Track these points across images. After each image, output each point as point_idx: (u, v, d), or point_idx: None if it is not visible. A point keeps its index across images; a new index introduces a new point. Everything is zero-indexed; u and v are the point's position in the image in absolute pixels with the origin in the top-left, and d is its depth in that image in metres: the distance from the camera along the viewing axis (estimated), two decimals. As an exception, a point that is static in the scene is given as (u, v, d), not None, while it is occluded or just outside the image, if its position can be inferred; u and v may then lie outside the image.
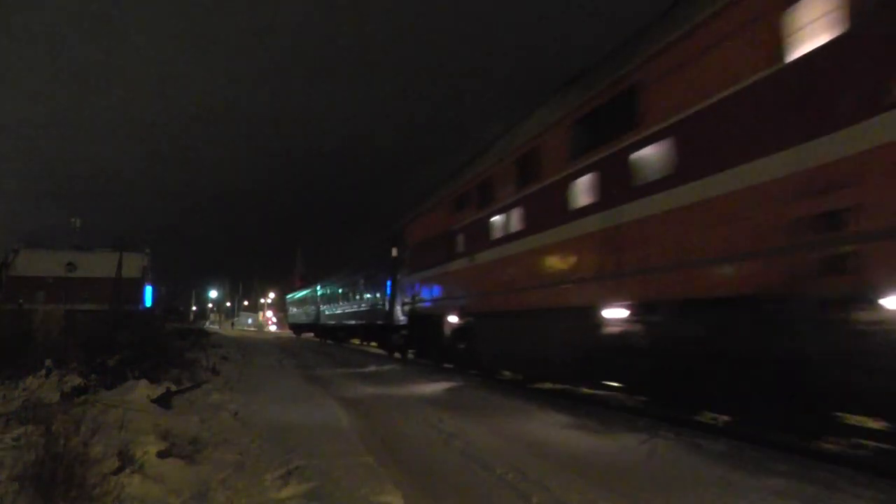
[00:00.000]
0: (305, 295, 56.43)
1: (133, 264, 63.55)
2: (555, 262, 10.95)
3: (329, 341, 45.31)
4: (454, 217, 16.00)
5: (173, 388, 9.60)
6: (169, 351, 13.42)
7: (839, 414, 6.79)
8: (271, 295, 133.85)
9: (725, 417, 8.47)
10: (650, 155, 8.30)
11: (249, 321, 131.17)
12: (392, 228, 24.31)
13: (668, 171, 7.92)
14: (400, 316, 22.90)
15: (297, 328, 62.27)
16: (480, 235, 14.14)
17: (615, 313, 9.20)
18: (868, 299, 5.56)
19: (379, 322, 27.11)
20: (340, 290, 38.75)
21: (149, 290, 64.15)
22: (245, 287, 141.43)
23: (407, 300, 20.97)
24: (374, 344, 33.09)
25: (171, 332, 18.97)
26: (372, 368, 19.23)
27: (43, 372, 9.31)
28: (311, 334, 56.65)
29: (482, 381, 14.62)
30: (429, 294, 18.40)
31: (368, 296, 30.47)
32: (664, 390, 8.56)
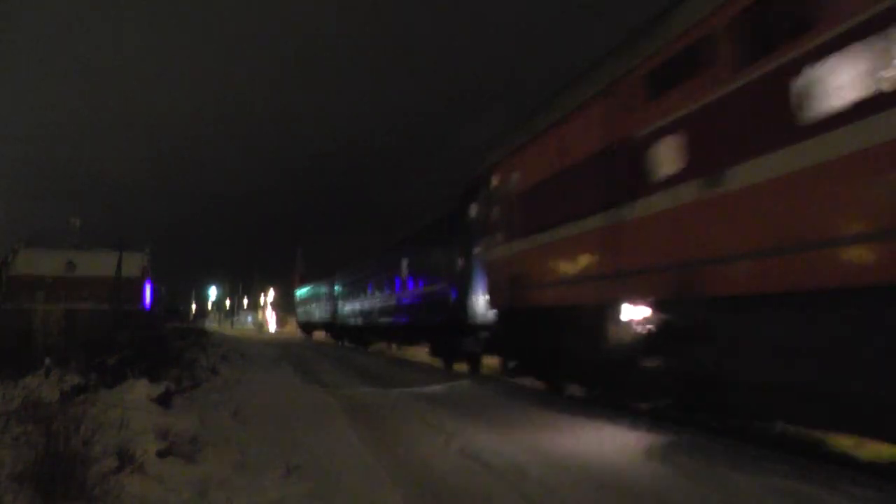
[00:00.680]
0: (318, 290, 48.85)
1: (133, 264, 63.54)
2: None
3: (347, 344, 38.91)
4: (646, 111, 8.24)
5: (173, 387, 9.59)
6: (169, 350, 13.42)
7: None
8: (271, 294, 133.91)
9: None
10: None
11: (249, 320, 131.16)
12: (469, 179, 16.47)
13: None
14: (479, 310, 15.94)
15: (308, 327, 56.41)
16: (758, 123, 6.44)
17: None
18: None
19: (438, 320, 19.22)
20: (370, 281, 30.65)
21: (150, 288, 64.16)
22: (245, 286, 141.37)
23: (500, 285, 13.31)
24: (408, 349, 26.86)
25: (170, 332, 18.97)
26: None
27: (43, 371, 9.30)
28: (323, 334, 50.88)
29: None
30: (563, 269, 10.74)
31: (421, 284, 22.03)
32: None
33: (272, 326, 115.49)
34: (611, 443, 7.41)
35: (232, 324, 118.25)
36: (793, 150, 5.89)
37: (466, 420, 9.06)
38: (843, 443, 7.50)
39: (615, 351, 8.94)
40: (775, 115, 6.11)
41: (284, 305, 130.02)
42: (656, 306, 8.21)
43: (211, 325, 76.68)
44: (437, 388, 13.19)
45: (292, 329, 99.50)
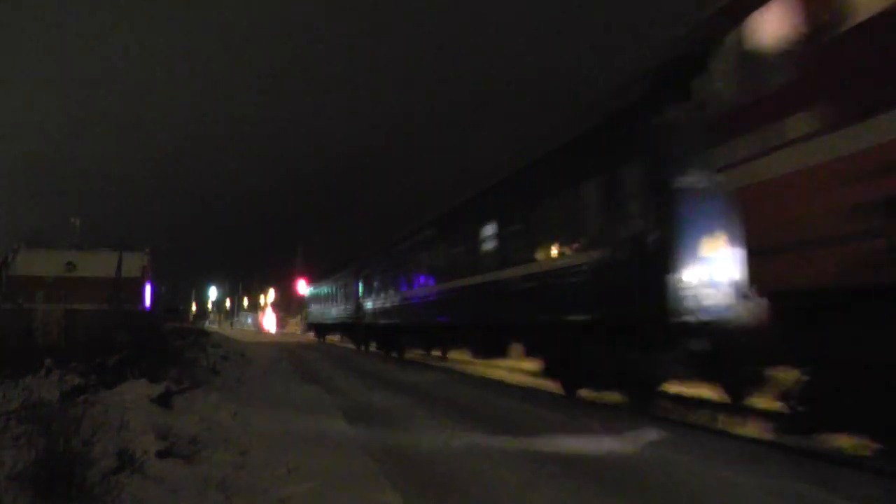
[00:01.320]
0: (335, 284, 38.81)
1: (133, 264, 63.59)
2: None
3: (373, 349, 30.43)
4: None
5: (173, 387, 9.57)
6: (169, 351, 13.40)
7: None
8: (271, 294, 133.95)
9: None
10: None
11: (249, 321, 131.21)
12: (674, 46, 9.41)
13: None
14: (700, 295, 8.33)
15: (321, 329, 46.99)
16: None
17: None
18: None
19: (602, 312, 10.47)
20: (415, 266, 21.58)
21: (148, 289, 64.12)
22: (245, 287, 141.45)
23: (803, 233, 6.01)
24: (468, 360, 19.68)
25: (170, 332, 18.96)
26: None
27: (43, 371, 9.30)
28: (339, 338, 42.11)
29: None
30: None
31: (535, 256, 13.01)
32: None
33: (272, 327, 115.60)
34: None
35: (231, 324, 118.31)
36: None
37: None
38: (845, 442, 7.50)
39: None
40: None
41: (284, 306, 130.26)
42: None
43: (211, 325, 76.76)
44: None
45: (294, 329, 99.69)
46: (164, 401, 8.54)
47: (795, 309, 6.24)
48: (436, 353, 23.08)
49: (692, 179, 8.47)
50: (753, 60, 6.74)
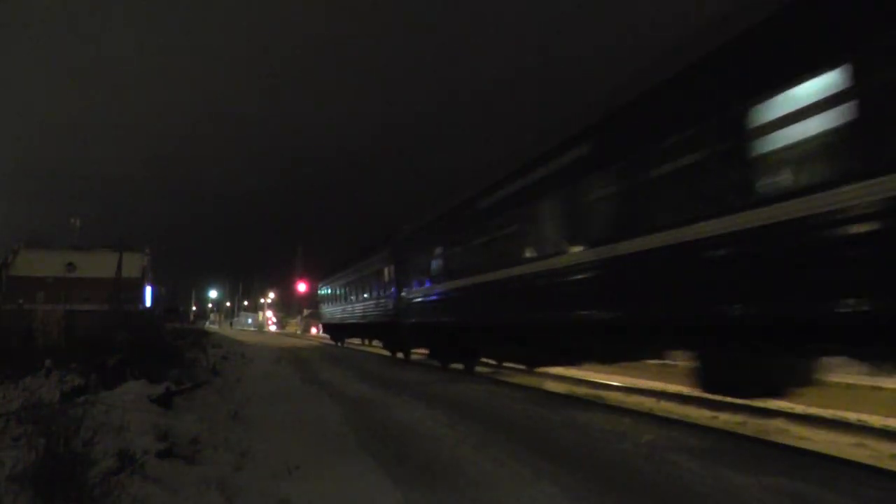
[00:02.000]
0: (356, 277, 30.78)
1: (133, 264, 63.69)
2: None
3: (427, 359, 21.00)
4: None
5: (173, 388, 9.58)
6: (169, 351, 13.41)
7: None
8: (271, 295, 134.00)
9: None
10: None
11: (249, 321, 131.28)
12: None
13: None
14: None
15: (339, 331, 38.72)
16: None
17: None
18: None
19: None
20: (523, 222, 12.66)
21: (148, 289, 64.18)
22: (245, 287, 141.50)
23: None
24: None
25: (171, 333, 18.97)
26: None
27: (43, 372, 9.31)
28: (362, 342, 36.39)
29: None
30: None
31: None
32: None
33: (272, 327, 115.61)
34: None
35: (231, 324, 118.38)
36: None
37: None
38: (844, 440, 7.51)
39: None
40: None
41: (284, 307, 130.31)
42: None
43: (211, 325, 76.77)
44: None
45: (294, 329, 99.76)
46: (164, 401, 8.55)
47: None
48: (512, 363, 16.20)
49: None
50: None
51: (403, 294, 21.48)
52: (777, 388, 8.02)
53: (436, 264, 18.04)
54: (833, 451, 6.96)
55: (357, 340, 36.85)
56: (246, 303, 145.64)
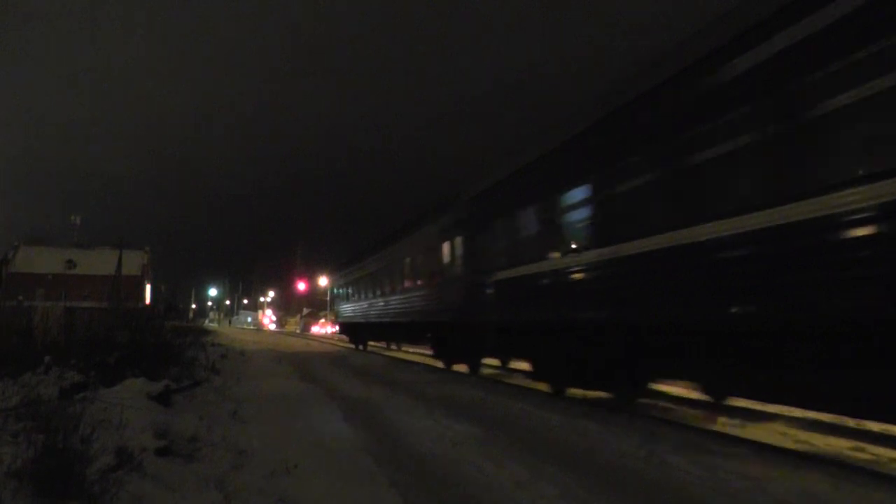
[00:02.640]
0: (389, 264, 25.01)
1: (133, 262, 63.71)
2: None
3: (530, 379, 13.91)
4: None
5: (172, 385, 9.57)
6: (168, 349, 13.40)
7: None
8: (270, 294, 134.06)
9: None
10: None
11: (249, 319, 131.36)
12: None
13: None
14: None
15: (361, 333, 32.21)
16: None
17: None
18: None
19: None
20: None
21: (148, 287, 64.21)
22: (245, 286, 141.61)
23: None
24: None
25: (170, 330, 18.95)
26: None
27: (42, 368, 9.29)
28: (387, 346, 31.72)
29: None
30: None
31: None
32: None
33: (271, 326, 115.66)
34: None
35: (230, 322, 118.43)
36: None
37: None
38: (843, 444, 7.50)
39: None
40: None
41: (283, 305, 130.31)
42: None
43: (211, 324, 76.80)
44: None
45: (292, 328, 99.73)
46: (163, 399, 8.54)
47: None
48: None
49: None
50: None
51: (482, 279, 14.61)
52: None
53: (574, 220, 10.77)
54: (832, 456, 6.96)
55: (376, 344, 32.01)
56: (245, 301, 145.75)
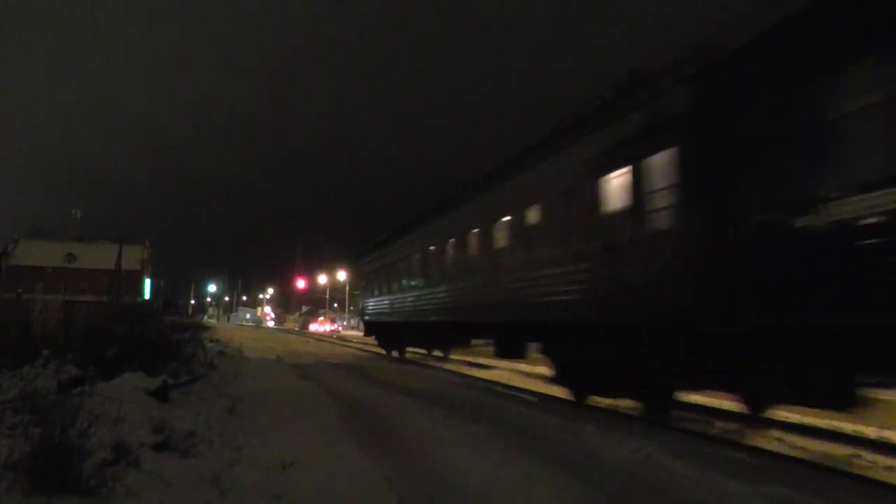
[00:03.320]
0: (460, 235, 16.54)
1: (133, 257, 63.71)
2: None
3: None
4: None
5: (170, 381, 9.57)
6: (167, 344, 13.40)
7: None
8: (270, 290, 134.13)
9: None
10: None
11: (248, 316, 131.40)
12: None
13: None
14: None
15: (396, 334, 24.96)
16: None
17: None
18: None
19: None
20: None
21: (148, 282, 64.25)
22: (244, 283, 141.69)
23: None
24: None
25: (168, 326, 18.94)
26: None
27: (40, 361, 9.28)
28: (431, 353, 24.90)
29: None
30: None
31: None
32: None
33: (270, 323, 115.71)
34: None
35: (228, 318, 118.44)
36: None
37: None
38: (840, 451, 7.50)
39: None
40: None
41: (282, 303, 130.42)
42: None
43: (210, 320, 76.76)
44: None
45: (292, 326, 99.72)
46: (160, 394, 8.54)
47: None
48: None
49: None
50: None
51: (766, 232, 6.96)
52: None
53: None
54: (829, 462, 6.96)
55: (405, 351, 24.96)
56: (245, 298, 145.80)
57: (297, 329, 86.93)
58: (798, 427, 9.05)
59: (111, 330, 12.31)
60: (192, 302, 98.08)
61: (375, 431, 8.47)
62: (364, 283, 29.40)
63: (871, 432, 8.64)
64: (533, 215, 12.33)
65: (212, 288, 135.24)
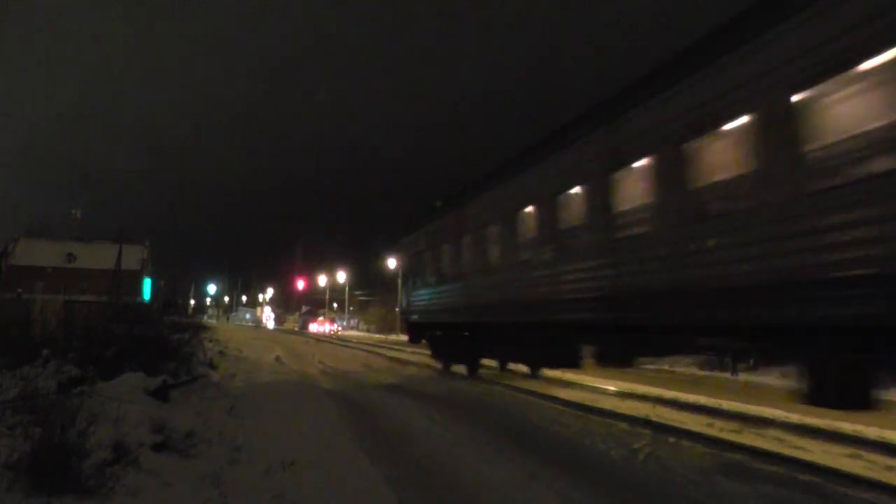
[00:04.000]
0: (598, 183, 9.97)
1: (133, 257, 63.70)
2: None
3: None
4: None
5: (170, 381, 9.57)
6: (167, 344, 13.39)
7: None
8: (270, 291, 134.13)
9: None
10: None
11: (248, 316, 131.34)
12: None
13: None
14: None
15: (454, 341, 17.68)
16: None
17: None
18: None
19: None
20: None
21: (148, 282, 64.24)
22: (244, 283, 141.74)
23: None
24: None
25: (168, 326, 18.96)
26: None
27: (40, 361, 9.29)
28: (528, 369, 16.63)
29: None
30: None
31: None
32: None
33: (270, 324, 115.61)
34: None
35: (228, 318, 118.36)
36: None
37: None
38: (839, 451, 7.50)
39: None
40: None
41: (282, 303, 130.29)
42: None
43: (209, 320, 76.73)
44: None
45: (291, 326, 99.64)
46: (160, 394, 8.55)
47: None
48: None
49: None
50: None
51: None
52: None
53: None
54: (828, 462, 6.95)
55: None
56: (245, 298, 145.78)
57: (296, 329, 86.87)
58: (796, 426, 9.03)
59: (111, 330, 12.31)
60: (193, 302, 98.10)
61: None
62: (412, 269, 21.27)
63: (871, 432, 8.61)
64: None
65: (212, 288, 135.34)
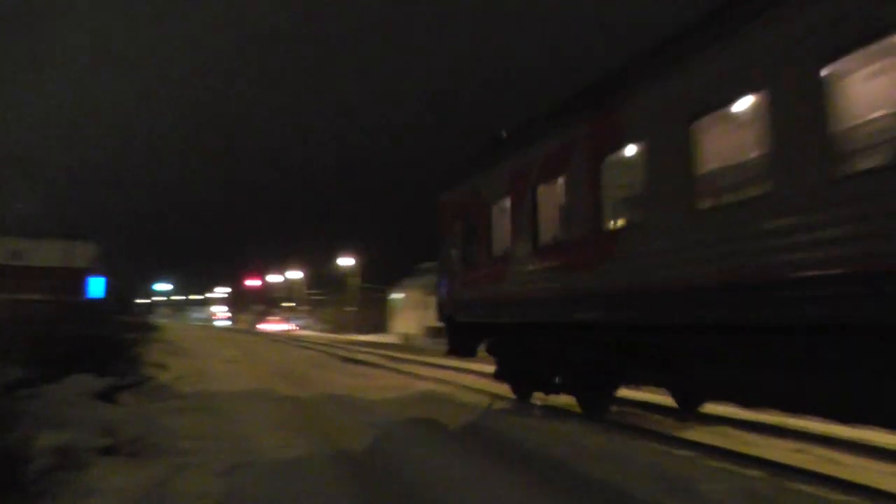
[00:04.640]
0: None
1: (84, 254, 62.13)
2: None
3: None
4: None
5: (119, 382, 9.42)
6: (115, 345, 13.15)
7: None
8: (222, 290, 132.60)
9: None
10: None
11: (201, 315, 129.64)
12: None
13: None
14: None
15: (540, 352, 10.61)
16: None
17: None
18: None
19: None
20: None
21: (99, 280, 62.85)
22: (197, 283, 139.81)
23: None
24: None
25: (118, 325, 18.62)
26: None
27: (-18, 363, 9.05)
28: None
29: None
30: None
31: None
32: None
33: (223, 322, 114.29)
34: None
35: (180, 318, 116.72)
36: None
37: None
38: (786, 445, 7.69)
39: None
40: None
41: (235, 302, 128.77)
42: None
43: (161, 319, 75.42)
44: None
45: (243, 326, 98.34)
46: (108, 396, 8.42)
47: None
48: None
49: None
50: None
51: None
52: None
53: None
54: (776, 457, 7.13)
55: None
56: (203, 296, 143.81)
57: (246, 328, 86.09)
58: (745, 423, 9.20)
59: (59, 330, 12.05)
60: (148, 301, 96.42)
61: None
62: (467, 236, 13.44)
63: (816, 427, 8.67)
64: None
65: (164, 287, 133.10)
